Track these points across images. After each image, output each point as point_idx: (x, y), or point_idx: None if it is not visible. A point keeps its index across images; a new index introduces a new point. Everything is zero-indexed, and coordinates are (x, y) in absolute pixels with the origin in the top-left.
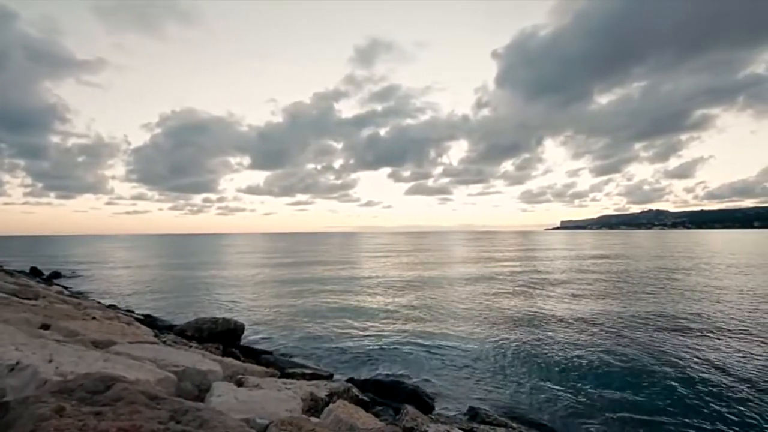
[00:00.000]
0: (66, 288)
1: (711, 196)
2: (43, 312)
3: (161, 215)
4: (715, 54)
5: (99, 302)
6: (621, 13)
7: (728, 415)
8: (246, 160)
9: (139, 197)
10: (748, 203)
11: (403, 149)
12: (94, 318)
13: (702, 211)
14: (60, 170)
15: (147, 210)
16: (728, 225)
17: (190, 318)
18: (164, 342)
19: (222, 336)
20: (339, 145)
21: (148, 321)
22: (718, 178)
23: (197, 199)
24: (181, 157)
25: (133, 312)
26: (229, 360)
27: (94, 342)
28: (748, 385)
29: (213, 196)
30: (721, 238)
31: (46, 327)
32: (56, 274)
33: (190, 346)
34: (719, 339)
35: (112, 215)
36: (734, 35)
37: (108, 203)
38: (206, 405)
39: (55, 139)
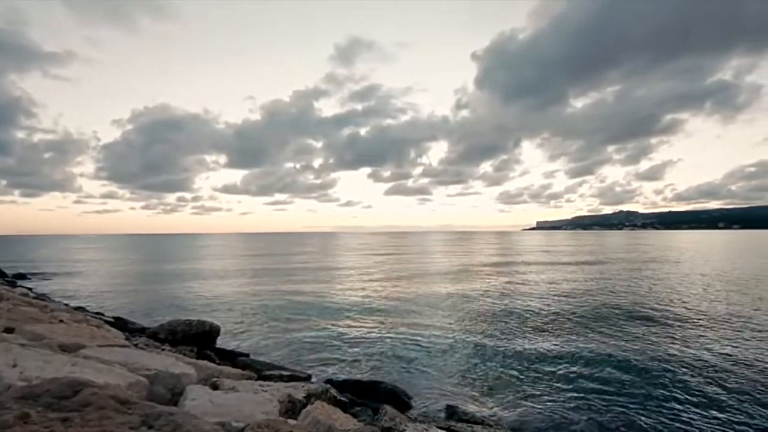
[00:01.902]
0: (31, 290)
1: (679, 197)
2: (6, 315)
3: (133, 214)
4: (685, 61)
5: (66, 304)
6: (597, 18)
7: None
8: (222, 159)
9: (109, 195)
10: (714, 205)
11: (383, 149)
12: (61, 321)
13: (670, 212)
14: (25, 167)
15: (117, 209)
16: (694, 226)
17: (163, 320)
18: (136, 345)
19: (196, 338)
20: (318, 145)
21: (119, 323)
22: (686, 180)
23: (171, 198)
24: (154, 154)
25: (102, 314)
26: (203, 363)
27: (62, 346)
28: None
29: (188, 195)
30: (688, 238)
31: (9, 330)
32: (21, 276)
33: (163, 349)
34: (695, 341)
35: (81, 214)
36: (703, 43)
37: (76, 202)
38: (180, 409)
39: (19, 134)
